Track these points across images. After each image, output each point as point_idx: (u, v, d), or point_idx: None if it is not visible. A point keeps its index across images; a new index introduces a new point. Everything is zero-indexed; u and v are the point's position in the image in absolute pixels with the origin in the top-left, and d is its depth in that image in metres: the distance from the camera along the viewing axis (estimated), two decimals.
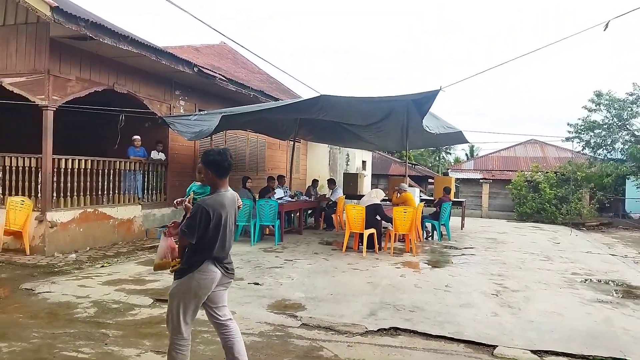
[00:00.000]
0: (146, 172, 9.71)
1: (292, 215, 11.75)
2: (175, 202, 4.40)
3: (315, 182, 13.29)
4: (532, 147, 26.08)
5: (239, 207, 3.26)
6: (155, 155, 9.93)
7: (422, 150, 43.64)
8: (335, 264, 7.46)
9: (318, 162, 18.68)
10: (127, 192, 9.28)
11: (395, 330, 4.44)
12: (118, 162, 8.99)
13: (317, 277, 6.49)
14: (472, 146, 42.70)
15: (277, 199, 9.93)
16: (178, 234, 3.07)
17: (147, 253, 8.00)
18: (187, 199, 3.87)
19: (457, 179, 23.28)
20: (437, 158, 48.98)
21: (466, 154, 44.79)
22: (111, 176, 8.81)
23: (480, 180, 22.63)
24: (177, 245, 3.23)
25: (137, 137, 9.59)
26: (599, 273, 7.79)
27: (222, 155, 3.01)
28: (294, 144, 13.37)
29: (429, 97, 8.10)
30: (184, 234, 2.94)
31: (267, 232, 10.12)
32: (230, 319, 3.20)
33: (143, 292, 5.45)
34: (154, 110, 9.68)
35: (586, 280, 7.19)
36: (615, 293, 6.46)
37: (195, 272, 2.92)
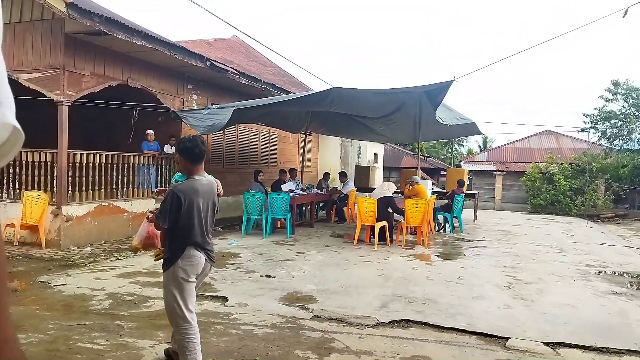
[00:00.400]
0: (159, 166, 9.81)
1: (304, 208, 11.78)
2: (154, 190, 4.48)
3: (326, 175, 13.30)
4: (547, 138, 25.65)
5: (219, 194, 3.30)
6: (168, 149, 10.02)
7: (434, 142, 43.26)
8: (346, 257, 7.48)
9: (330, 155, 18.66)
10: (140, 186, 9.39)
11: (407, 322, 4.44)
12: (132, 156, 9.09)
13: (328, 270, 6.52)
14: (486, 138, 42.20)
15: (289, 191, 9.97)
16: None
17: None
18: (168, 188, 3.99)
19: (470, 171, 23.09)
20: (450, 150, 48.54)
21: (479, 146, 44.32)
22: (125, 170, 8.92)
23: (494, 172, 22.40)
24: (156, 233, 3.31)
25: (150, 131, 9.69)
26: (614, 265, 7.69)
27: (193, 142, 3.08)
28: (305, 137, 13.37)
29: (441, 88, 8.03)
30: (157, 219, 3.06)
31: (279, 225, 10.18)
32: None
33: (157, 284, 5.52)
34: (167, 105, 9.75)
35: (600, 272, 7.11)
36: (630, 285, 6.38)
37: (179, 260, 3.00)
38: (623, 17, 6.57)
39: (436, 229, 10.98)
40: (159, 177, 9.80)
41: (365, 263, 7.10)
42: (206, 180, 3.17)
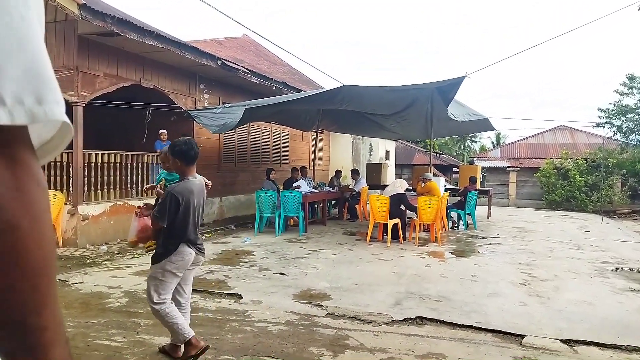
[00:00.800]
0: None
1: (316, 206, 11.80)
2: (145, 188, 4.66)
3: (338, 172, 13.29)
4: (562, 134, 25.33)
5: (207, 188, 3.59)
6: None
7: (446, 138, 42.99)
8: (359, 254, 7.47)
9: (341, 152, 18.64)
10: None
11: (421, 320, 4.43)
12: (146, 155, 9.19)
13: (341, 267, 6.52)
14: (499, 134, 41.87)
15: (301, 189, 9.98)
16: (151, 217, 3.40)
17: None
18: (157, 186, 4.19)
19: (483, 168, 22.84)
20: (462, 146, 48.19)
21: (492, 142, 43.94)
22: (139, 169, 9.01)
23: (507, 169, 22.17)
24: (147, 225, 3.51)
25: (163, 130, 9.76)
26: (631, 262, 7.57)
27: (189, 144, 3.31)
28: (316, 135, 13.37)
29: (453, 85, 7.97)
30: (156, 219, 3.24)
31: (292, 223, 10.21)
32: (188, 301, 3.55)
33: None
34: (179, 104, 9.82)
35: (617, 269, 7.00)
36: None
37: (172, 256, 3.21)
38: (639, 9, 6.47)
39: (449, 226, 10.92)
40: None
41: (379, 260, 7.08)
42: (198, 180, 3.44)
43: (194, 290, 5.15)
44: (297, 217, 9.49)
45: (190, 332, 3.29)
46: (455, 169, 30.41)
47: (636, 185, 18.33)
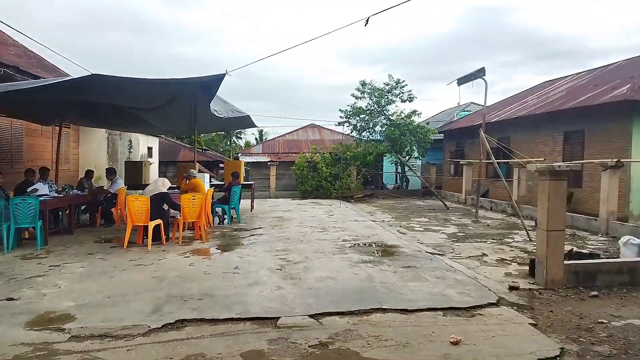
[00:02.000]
0: None
1: (61, 213, 10.17)
2: None
3: (89, 173, 11.79)
4: (312, 131, 28.74)
5: None
6: None
7: (213, 135, 43.45)
8: (114, 263, 6.77)
9: (94, 150, 16.61)
10: None
11: (181, 323, 4.28)
12: None
13: (90, 281, 5.77)
14: (261, 131, 44.66)
15: (39, 195, 8.44)
16: None
17: None
18: None
19: (247, 163, 24.01)
20: (229, 143, 49.48)
21: (256, 139, 46.56)
22: None
23: (268, 163, 23.75)
24: None
25: None
26: (364, 237, 9.09)
27: None
28: (60, 130, 11.55)
29: (215, 81, 8.00)
30: None
31: (27, 236, 8.54)
32: None
33: None
34: None
35: (354, 245, 8.30)
36: (376, 253, 7.63)
37: None
38: (365, 25, 7.67)
39: (216, 222, 11.00)
40: None
41: (137, 267, 6.56)
42: None
43: None
44: (33, 228, 7.96)
45: None
46: (221, 165, 30.98)
47: (367, 174, 22.26)
